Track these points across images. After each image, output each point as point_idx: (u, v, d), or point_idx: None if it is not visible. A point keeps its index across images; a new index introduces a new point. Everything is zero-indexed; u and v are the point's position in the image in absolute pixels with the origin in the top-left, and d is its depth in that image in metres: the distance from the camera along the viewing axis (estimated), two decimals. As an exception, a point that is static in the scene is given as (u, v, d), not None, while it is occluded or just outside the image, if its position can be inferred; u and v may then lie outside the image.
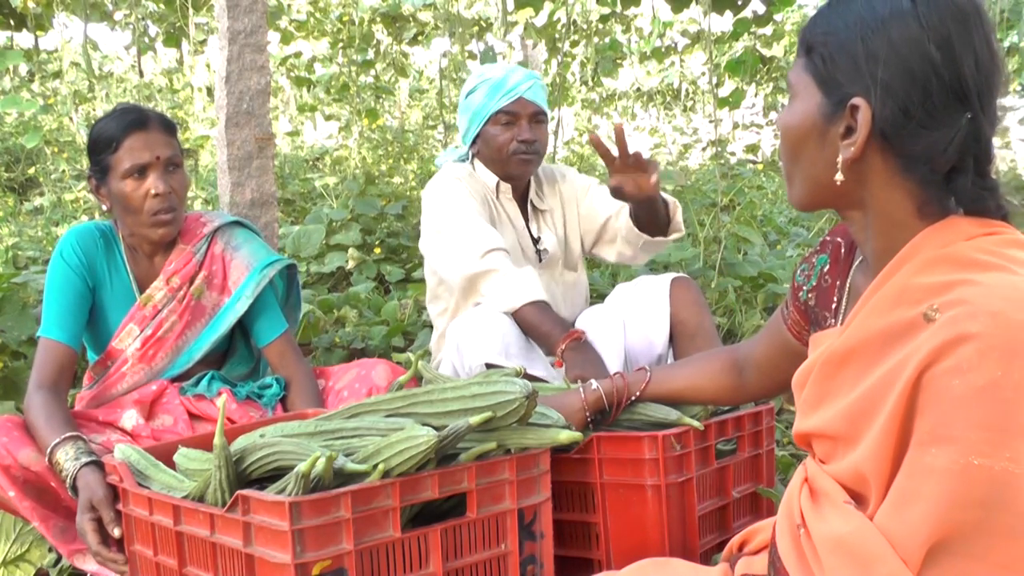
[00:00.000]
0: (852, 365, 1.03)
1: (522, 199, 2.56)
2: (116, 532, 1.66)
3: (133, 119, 2.02)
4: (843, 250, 1.21)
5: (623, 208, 2.44)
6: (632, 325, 2.33)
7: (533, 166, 2.47)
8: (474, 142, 2.50)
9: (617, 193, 2.19)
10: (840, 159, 1.02)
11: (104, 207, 2.09)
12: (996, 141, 1.03)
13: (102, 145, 2.03)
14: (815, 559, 1.02)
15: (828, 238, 1.25)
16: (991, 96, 0.99)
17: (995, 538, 0.89)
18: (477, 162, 2.53)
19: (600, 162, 10.74)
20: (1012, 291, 0.91)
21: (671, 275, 2.38)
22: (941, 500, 0.90)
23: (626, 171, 2.14)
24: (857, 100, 0.99)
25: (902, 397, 0.93)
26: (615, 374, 1.75)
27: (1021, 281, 0.93)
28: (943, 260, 0.98)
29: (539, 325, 2.18)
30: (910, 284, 0.99)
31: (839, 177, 1.03)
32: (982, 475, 0.88)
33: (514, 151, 2.41)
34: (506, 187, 2.50)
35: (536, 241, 2.53)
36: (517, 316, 2.21)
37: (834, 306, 1.18)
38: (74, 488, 1.74)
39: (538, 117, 2.44)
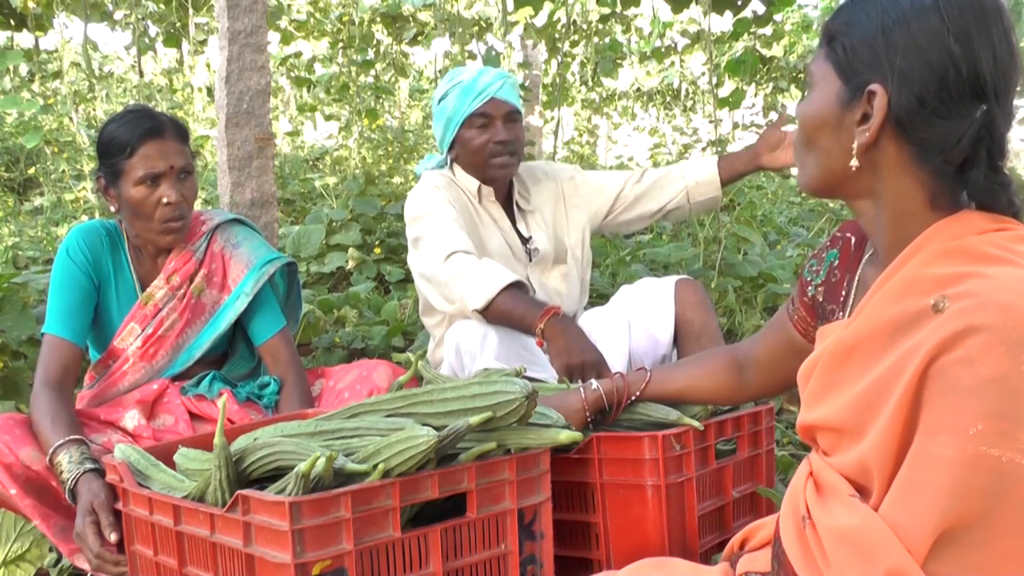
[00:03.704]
0: (859, 356, 1.04)
1: (506, 200, 2.54)
2: (113, 537, 1.67)
3: (149, 127, 2.02)
4: (853, 245, 1.22)
5: (629, 177, 2.58)
6: (637, 326, 2.33)
7: (513, 167, 2.45)
8: (451, 147, 2.48)
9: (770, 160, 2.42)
10: (855, 144, 1.03)
11: (112, 208, 2.10)
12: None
13: (115, 149, 2.02)
14: (820, 551, 1.03)
15: (838, 234, 1.26)
16: (1007, 91, 1.00)
17: (999, 529, 0.90)
18: (457, 167, 2.51)
19: (599, 163, 10.77)
20: (1021, 284, 0.92)
21: (676, 277, 2.39)
22: (947, 490, 0.90)
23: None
24: (874, 86, 1.01)
25: (909, 387, 0.94)
26: (615, 374, 1.75)
27: None
28: (954, 252, 0.99)
29: (512, 311, 2.12)
30: (920, 275, 1.00)
31: (854, 163, 1.04)
32: (989, 465, 0.89)
33: (491, 153, 2.40)
34: (488, 191, 2.48)
35: (526, 241, 2.52)
36: (489, 314, 2.15)
37: (842, 299, 1.19)
38: (71, 492, 1.75)
39: (512, 116, 2.42)
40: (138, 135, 2.01)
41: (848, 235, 1.23)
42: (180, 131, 2.09)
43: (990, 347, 0.89)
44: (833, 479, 1.05)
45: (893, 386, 0.96)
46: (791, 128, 2.38)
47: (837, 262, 1.23)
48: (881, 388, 0.98)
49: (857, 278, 1.18)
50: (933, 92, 0.98)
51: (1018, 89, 1.02)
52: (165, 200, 2.02)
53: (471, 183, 2.48)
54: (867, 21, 1.03)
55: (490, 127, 2.40)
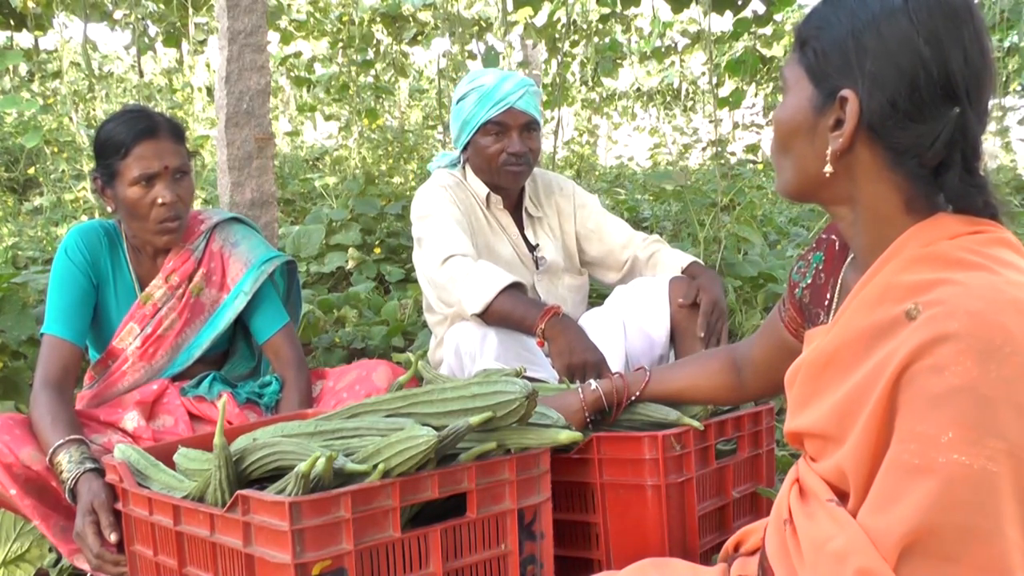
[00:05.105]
0: (838, 363, 1.04)
1: (515, 207, 2.53)
2: (113, 537, 1.67)
3: (144, 127, 2.02)
4: (837, 247, 1.22)
5: (631, 242, 2.51)
6: (632, 326, 2.33)
7: (523, 177, 2.44)
8: (465, 148, 2.47)
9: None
10: (829, 151, 1.03)
11: (109, 208, 2.10)
12: (996, 140, 1.03)
13: (111, 149, 2.02)
14: (797, 554, 1.03)
15: (824, 235, 1.25)
16: (980, 93, 0.99)
17: (971, 539, 0.88)
18: (468, 170, 2.50)
19: (599, 163, 10.73)
20: (991, 291, 0.91)
21: (670, 275, 2.38)
22: (919, 499, 0.90)
23: None
24: (846, 92, 1.00)
25: (883, 395, 0.94)
26: (615, 374, 1.75)
27: (1001, 281, 0.93)
28: (926, 259, 0.99)
29: (511, 312, 2.12)
30: (893, 282, 0.99)
31: (828, 169, 1.04)
32: (960, 474, 0.88)
33: (504, 162, 2.38)
34: (496, 198, 2.48)
35: (534, 248, 2.52)
36: (487, 317, 2.15)
37: (826, 303, 1.19)
38: (71, 492, 1.75)
39: (529, 127, 2.39)
40: (133, 135, 2.01)
41: (832, 237, 1.23)
42: (176, 131, 2.08)
43: (960, 355, 0.88)
44: (815, 484, 1.06)
45: (869, 394, 0.96)
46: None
47: (822, 265, 1.23)
48: (858, 396, 0.98)
49: (840, 282, 1.17)
50: (904, 96, 0.97)
51: (995, 87, 1.01)
52: (160, 200, 2.02)
53: (480, 188, 2.47)
54: (837, 25, 1.02)
55: (505, 137, 2.37)
